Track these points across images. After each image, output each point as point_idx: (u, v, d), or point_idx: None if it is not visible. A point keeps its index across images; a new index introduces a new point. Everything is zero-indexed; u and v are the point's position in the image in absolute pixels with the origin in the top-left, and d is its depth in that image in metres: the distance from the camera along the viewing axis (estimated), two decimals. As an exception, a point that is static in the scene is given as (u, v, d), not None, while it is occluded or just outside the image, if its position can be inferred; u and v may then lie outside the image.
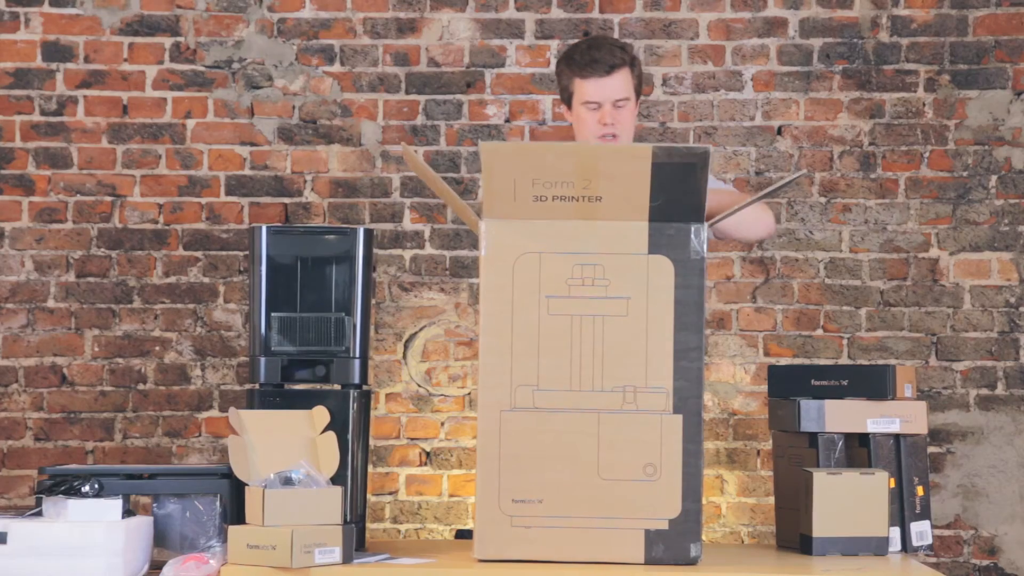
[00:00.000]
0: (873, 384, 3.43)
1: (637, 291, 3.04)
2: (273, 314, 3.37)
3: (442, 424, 5.20)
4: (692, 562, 3.02)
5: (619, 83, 3.80)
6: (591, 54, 3.84)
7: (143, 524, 3.13)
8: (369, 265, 3.41)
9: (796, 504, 3.32)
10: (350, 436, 3.31)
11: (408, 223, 5.24)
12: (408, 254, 5.24)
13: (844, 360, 5.17)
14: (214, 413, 5.17)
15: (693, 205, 3.04)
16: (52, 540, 3.02)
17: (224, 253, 5.22)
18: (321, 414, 3.24)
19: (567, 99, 3.89)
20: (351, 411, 3.33)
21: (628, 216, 3.04)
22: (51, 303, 5.18)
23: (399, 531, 5.15)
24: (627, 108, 3.82)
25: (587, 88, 3.81)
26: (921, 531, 3.41)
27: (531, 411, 3.03)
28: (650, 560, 3.02)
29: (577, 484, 3.03)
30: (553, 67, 5.11)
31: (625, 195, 3.02)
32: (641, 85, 3.90)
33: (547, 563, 3.04)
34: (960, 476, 5.14)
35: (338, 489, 3.07)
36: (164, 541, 3.22)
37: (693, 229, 3.06)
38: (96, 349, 5.17)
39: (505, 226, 3.05)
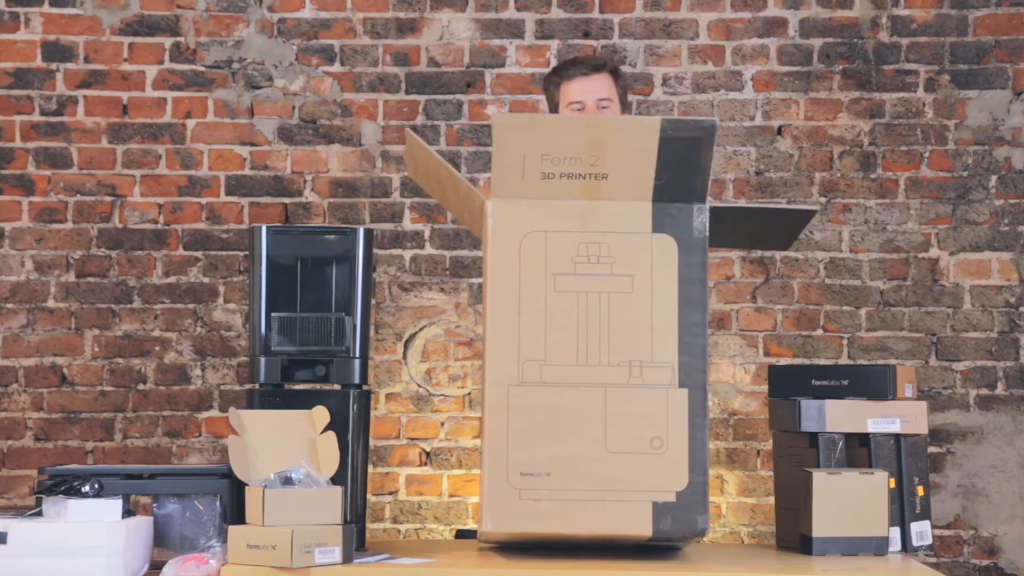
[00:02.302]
0: (873, 384, 3.43)
1: (642, 269, 3.07)
2: (273, 314, 3.37)
3: (442, 424, 5.20)
4: (700, 534, 3.04)
5: (601, 84, 3.94)
6: (574, 60, 4.11)
7: (143, 524, 3.13)
8: (369, 265, 3.41)
9: (796, 504, 3.32)
10: (350, 436, 3.31)
11: (408, 223, 5.24)
12: (408, 254, 5.24)
13: (844, 360, 5.17)
14: (214, 413, 5.17)
15: (696, 184, 3.08)
16: (52, 540, 3.02)
17: (224, 253, 5.22)
18: (321, 414, 3.24)
19: (554, 111, 3.98)
20: (351, 411, 3.33)
21: (633, 196, 3.08)
22: (51, 303, 5.18)
23: (399, 531, 5.15)
24: (610, 110, 3.95)
25: (571, 89, 3.93)
26: (921, 531, 3.41)
27: (539, 386, 3.05)
28: (658, 532, 3.03)
29: (585, 457, 3.04)
30: (553, 67, 5.12)
31: (631, 173, 3.05)
32: (626, 97, 4.05)
33: (550, 558, 3.04)
34: (960, 476, 5.14)
35: (338, 489, 3.07)
36: (164, 541, 3.22)
37: (695, 209, 3.10)
38: (96, 349, 5.17)
39: (512, 205, 3.07)
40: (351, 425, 3.32)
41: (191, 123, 5.23)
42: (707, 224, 3.09)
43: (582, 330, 3.07)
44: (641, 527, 3.04)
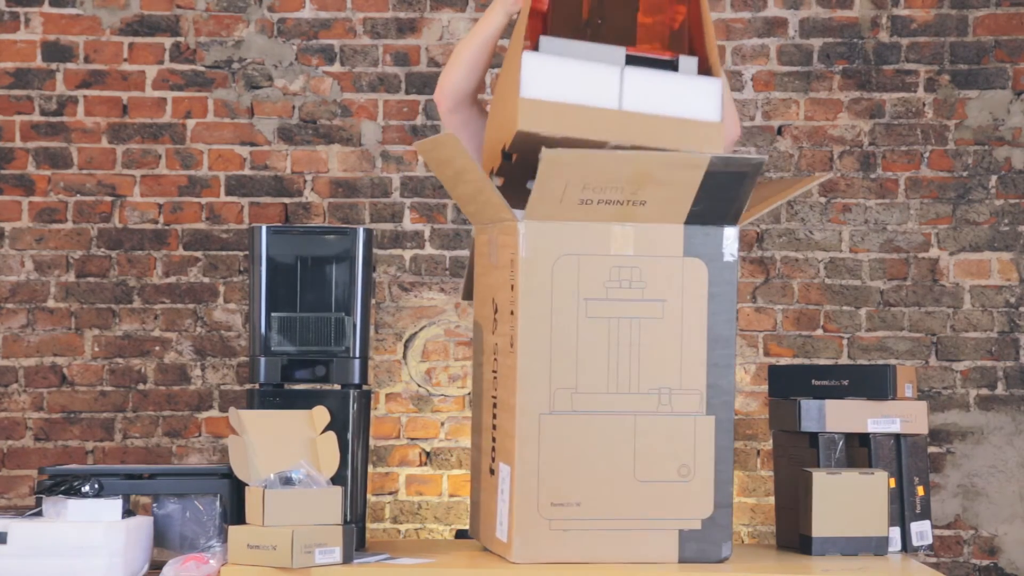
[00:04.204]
0: (873, 384, 3.43)
1: (672, 293, 3.05)
2: (273, 314, 3.37)
3: (442, 424, 5.20)
4: (723, 560, 3.04)
5: None
6: None
7: (143, 524, 3.13)
8: (369, 265, 3.41)
9: (796, 504, 3.32)
10: (350, 436, 3.31)
11: (408, 223, 5.24)
12: (408, 254, 5.24)
13: (844, 360, 5.17)
14: (214, 413, 5.17)
15: (731, 210, 3.05)
16: (52, 540, 3.02)
17: (224, 253, 5.22)
18: (321, 414, 3.24)
19: None
20: (351, 411, 3.32)
21: (666, 219, 3.05)
22: (51, 303, 5.18)
23: (399, 531, 5.15)
24: None
25: None
26: (921, 531, 3.41)
27: (570, 414, 3.03)
28: (684, 559, 3.03)
29: (614, 486, 3.03)
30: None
31: (669, 201, 3.02)
32: None
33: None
34: (960, 476, 5.14)
35: (338, 489, 3.07)
36: (164, 541, 3.22)
37: (726, 232, 3.06)
38: (96, 349, 5.17)
39: (546, 227, 3.04)
40: (351, 425, 3.32)
41: (191, 123, 5.23)
42: (737, 246, 3.07)
43: (612, 357, 3.05)
44: (667, 554, 3.04)
